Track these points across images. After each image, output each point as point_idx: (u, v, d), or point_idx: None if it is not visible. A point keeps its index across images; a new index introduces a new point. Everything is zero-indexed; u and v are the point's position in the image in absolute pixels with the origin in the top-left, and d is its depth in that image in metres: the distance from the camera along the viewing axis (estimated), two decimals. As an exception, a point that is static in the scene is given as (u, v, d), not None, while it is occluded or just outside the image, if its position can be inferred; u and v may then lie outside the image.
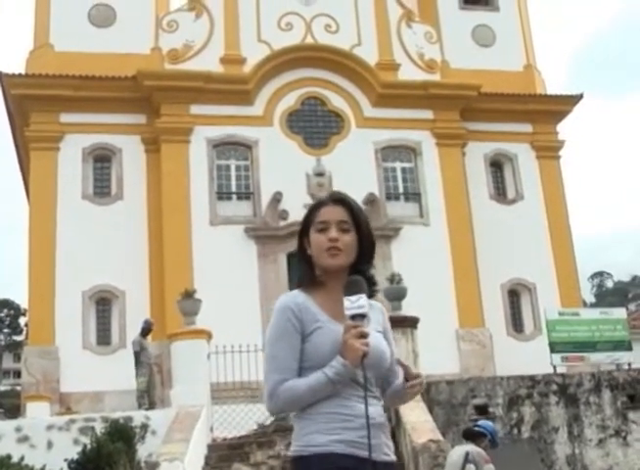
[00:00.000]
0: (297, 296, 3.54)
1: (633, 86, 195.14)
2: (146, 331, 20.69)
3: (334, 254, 3.49)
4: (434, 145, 30.41)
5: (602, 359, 20.58)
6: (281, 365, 3.41)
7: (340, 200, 3.59)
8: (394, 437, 15.70)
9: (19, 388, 41.56)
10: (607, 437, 16.66)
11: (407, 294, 18.95)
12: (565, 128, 60.20)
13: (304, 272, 3.62)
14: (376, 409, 3.40)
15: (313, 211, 3.60)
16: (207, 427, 17.17)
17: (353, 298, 3.30)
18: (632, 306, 69.22)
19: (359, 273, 3.51)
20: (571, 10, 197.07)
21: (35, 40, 29.83)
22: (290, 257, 28.05)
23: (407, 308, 18.58)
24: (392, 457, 3.47)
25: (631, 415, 16.87)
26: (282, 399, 3.38)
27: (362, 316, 3.28)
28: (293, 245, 28.05)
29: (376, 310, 3.63)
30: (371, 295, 3.51)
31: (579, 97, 32.66)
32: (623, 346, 20.55)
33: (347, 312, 3.28)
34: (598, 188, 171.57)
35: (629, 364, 19.87)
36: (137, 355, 20.28)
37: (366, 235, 3.59)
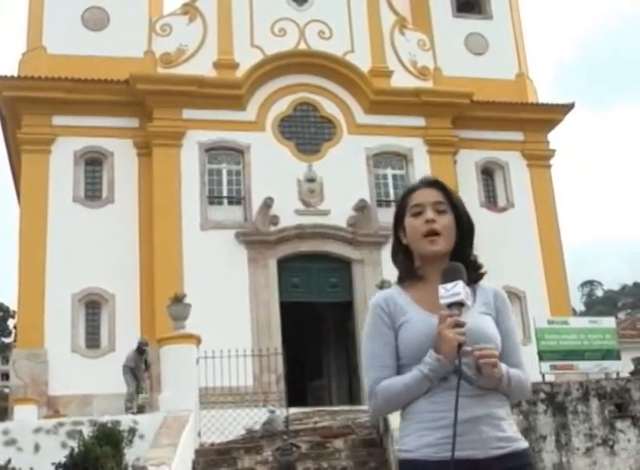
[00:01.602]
0: (390, 291, 3.41)
1: (614, 99, 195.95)
2: (141, 351, 20.90)
3: (433, 239, 3.31)
4: (425, 152, 30.45)
5: (590, 368, 20.61)
6: (377, 364, 3.29)
7: (432, 182, 3.46)
8: (382, 444, 15.71)
9: (6, 390, 41.47)
10: (594, 445, 16.69)
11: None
12: (554, 137, 60.03)
13: (402, 265, 3.46)
14: (477, 401, 3.16)
15: (406, 196, 3.46)
16: (195, 432, 17.15)
17: (449, 285, 3.12)
18: (622, 315, 69.29)
19: (461, 259, 3.32)
20: (555, 21, 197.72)
21: (28, 42, 29.79)
22: (280, 262, 28.05)
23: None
24: (510, 448, 3.19)
25: (619, 424, 16.90)
26: (380, 398, 3.24)
27: (459, 304, 3.10)
28: (283, 250, 28.25)
29: (486, 293, 3.42)
30: (477, 279, 3.39)
31: (571, 106, 32.75)
32: (612, 355, 20.59)
33: (442, 301, 3.11)
34: (584, 197, 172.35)
35: (617, 373, 19.92)
36: (133, 371, 20.54)
37: (464, 217, 3.43)
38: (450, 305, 3.10)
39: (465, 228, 3.41)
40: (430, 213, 3.33)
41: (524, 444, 3.26)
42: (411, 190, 3.46)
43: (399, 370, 3.26)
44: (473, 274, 3.35)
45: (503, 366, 3.21)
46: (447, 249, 3.33)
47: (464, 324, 3.08)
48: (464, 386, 3.10)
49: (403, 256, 3.43)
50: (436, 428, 3.11)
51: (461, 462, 3.04)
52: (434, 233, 3.31)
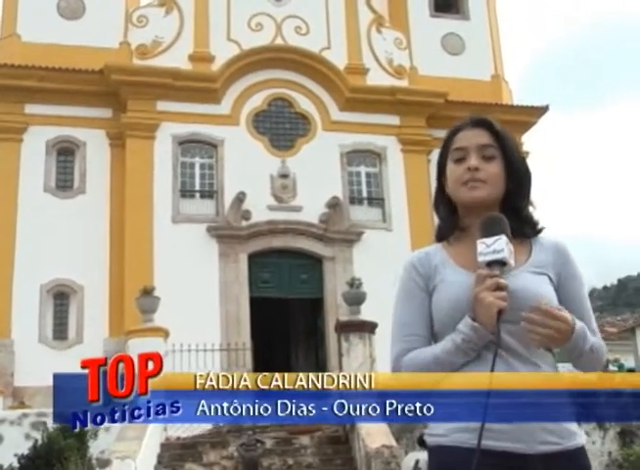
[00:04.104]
0: (427, 249, 3.07)
1: (582, 102, 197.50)
2: None
3: (474, 185, 2.86)
4: (399, 151, 30.47)
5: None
6: (405, 333, 2.86)
7: (480, 121, 2.97)
8: (348, 441, 15.70)
9: (-28, 380, 41.11)
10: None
11: (367, 298, 18.98)
12: (526, 139, 60.65)
13: (443, 218, 3.09)
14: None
15: (449, 138, 3.03)
16: (161, 426, 17.07)
17: (489, 240, 2.65)
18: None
19: (514, 213, 2.88)
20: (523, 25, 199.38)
21: (2, 30, 29.52)
22: (251, 257, 27.98)
23: (367, 313, 18.60)
24: (562, 446, 2.65)
25: (584, 426, 16.98)
26: (404, 372, 2.78)
27: (501, 263, 2.63)
28: (254, 245, 28.18)
29: (544, 249, 2.91)
30: (533, 235, 2.94)
31: (545, 109, 32.87)
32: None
33: (481, 259, 2.65)
34: (550, 199, 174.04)
35: (584, 376, 20.04)
36: None
37: (516, 162, 2.97)
38: (490, 264, 2.65)
39: (517, 176, 2.95)
40: (473, 160, 2.89)
41: (580, 440, 2.74)
42: (455, 130, 3.02)
43: (434, 339, 2.83)
44: (528, 230, 2.94)
45: (578, 324, 2.68)
46: (491, 196, 2.88)
47: (506, 287, 2.62)
48: (508, 361, 2.67)
49: (445, 208, 3.07)
50: None
51: (499, 455, 2.59)
52: (476, 181, 2.88)
